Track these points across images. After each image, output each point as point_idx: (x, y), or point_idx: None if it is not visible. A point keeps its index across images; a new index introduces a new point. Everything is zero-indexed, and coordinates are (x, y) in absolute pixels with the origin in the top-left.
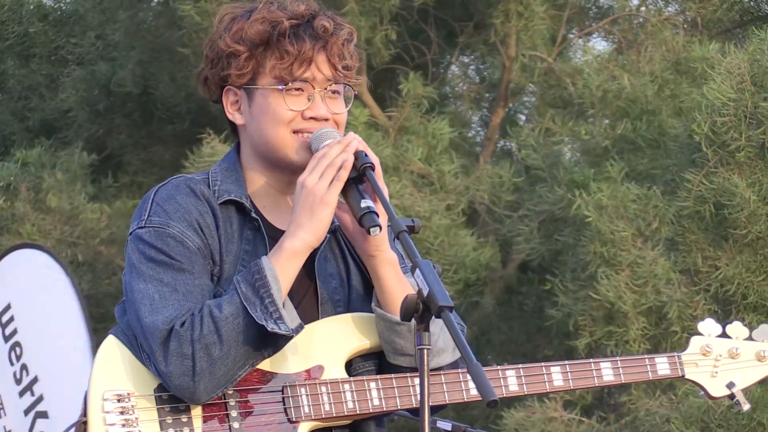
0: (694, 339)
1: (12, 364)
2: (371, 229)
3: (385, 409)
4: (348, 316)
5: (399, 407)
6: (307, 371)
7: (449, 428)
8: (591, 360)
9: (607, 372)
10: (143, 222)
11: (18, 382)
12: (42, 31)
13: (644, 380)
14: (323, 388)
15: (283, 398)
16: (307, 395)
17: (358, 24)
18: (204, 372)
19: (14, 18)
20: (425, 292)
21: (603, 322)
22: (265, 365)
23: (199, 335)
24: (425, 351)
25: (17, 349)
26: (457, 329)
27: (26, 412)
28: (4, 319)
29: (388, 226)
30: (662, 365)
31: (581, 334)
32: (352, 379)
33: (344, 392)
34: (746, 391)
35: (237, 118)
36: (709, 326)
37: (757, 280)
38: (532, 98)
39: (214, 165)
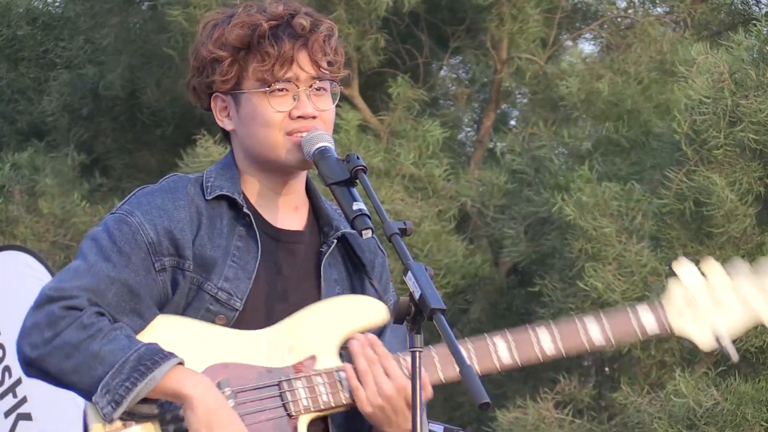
0: (673, 285)
1: None
2: (363, 232)
3: None
4: (333, 300)
5: None
6: (301, 363)
7: (441, 431)
8: (575, 317)
9: (596, 336)
10: (116, 209)
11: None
12: (30, 35)
13: (634, 341)
14: (319, 379)
15: (281, 393)
16: (303, 387)
17: (347, 31)
18: (44, 361)
19: (3, 21)
20: (417, 295)
21: None
22: (259, 362)
23: (66, 338)
24: (417, 354)
25: (0, 352)
26: (450, 332)
27: (7, 414)
28: None
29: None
30: (649, 323)
31: None
32: (346, 366)
33: (340, 380)
34: (734, 339)
35: (227, 124)
36: (684, 268)
37: None
38: (524, 100)
39: (210, 166)
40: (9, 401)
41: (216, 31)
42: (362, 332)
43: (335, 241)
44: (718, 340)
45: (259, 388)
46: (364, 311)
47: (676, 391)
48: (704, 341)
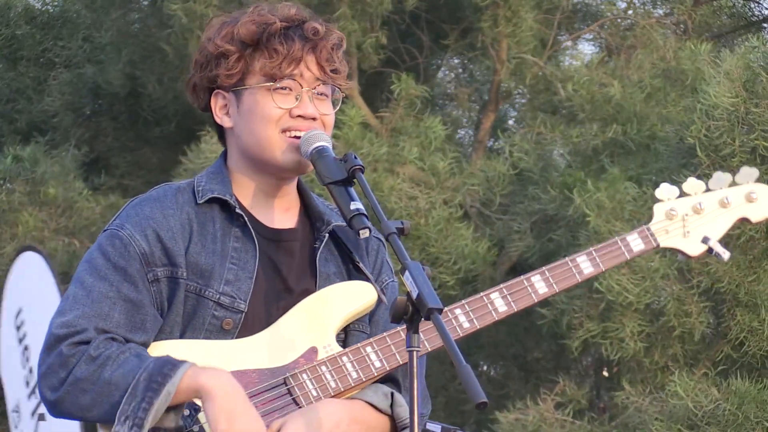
0: (657, 207)
1: (24, 367)
2: (360, 231)
3: (387, 368)
4: (322, 291)
5: (400, 362)
6: (303, 356)
7: (438, 430)
8: (567, 258)
9: (585, 265)
10: (108, 225)
11: (27, 385)
12: (29, 34)
13: (623, 261)
14: (324, 368)
15: (289, 389)
16: (310, 379)
17: (350, 28)
18: (65, 401)
19: (2, 21)
20: (414, 294)
21: (598, 320)
22: (261, 364)
23: (78, 375)
24: (415, 353)
25: (26, 353)
26: (447, 331)
27: (32, 414)
28: (18, 322)
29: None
30: (635, 242)
31: (575, 332)
32: (348, 349)
33: (344, 365)
34: (722, 241)
35: (225, 122)
36: (666, 191)
37: (747, 280)
38: (522, 100)
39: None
40: (33, 402)
41: (224, 28)
42: (356, 315)
43: (326, 235)
44: (705, 242)
45: (266, 390)
46: (354, 295)
47: (675, 393)
48: (692, 248)
